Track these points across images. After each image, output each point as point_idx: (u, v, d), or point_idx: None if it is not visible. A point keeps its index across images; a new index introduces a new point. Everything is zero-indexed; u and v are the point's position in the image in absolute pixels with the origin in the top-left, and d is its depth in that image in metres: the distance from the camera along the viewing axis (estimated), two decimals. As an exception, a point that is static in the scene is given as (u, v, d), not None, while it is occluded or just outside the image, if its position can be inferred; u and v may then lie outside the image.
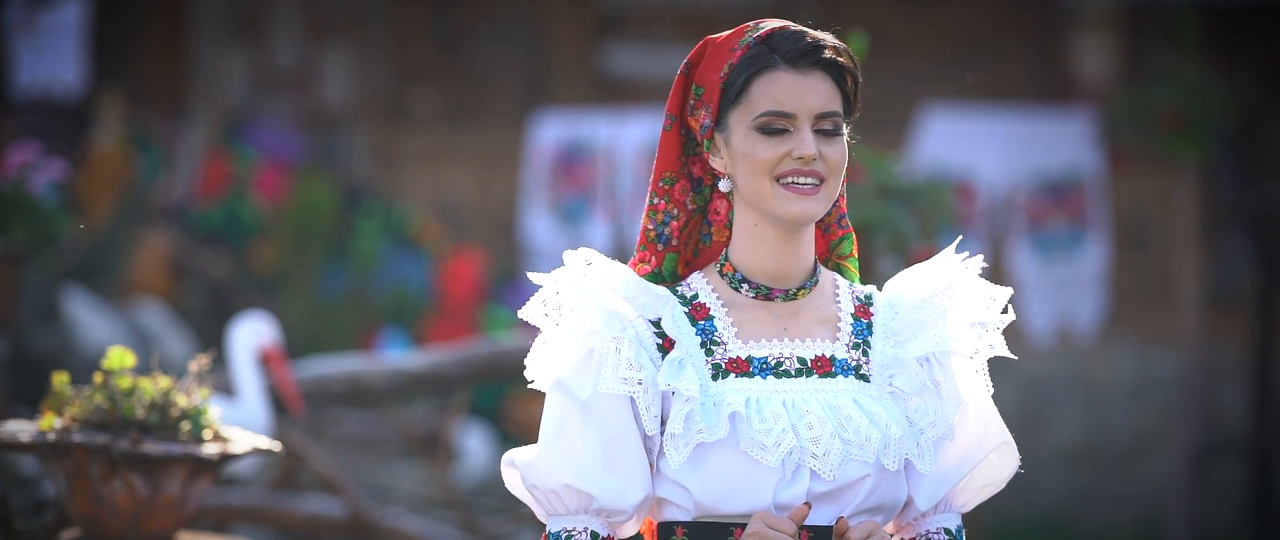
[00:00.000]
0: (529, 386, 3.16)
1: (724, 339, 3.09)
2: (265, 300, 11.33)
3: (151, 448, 4.31)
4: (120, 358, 4.41)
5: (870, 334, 3.14)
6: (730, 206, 3.16)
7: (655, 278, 3.16)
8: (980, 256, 3.22)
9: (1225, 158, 11.78)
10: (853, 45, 5.61)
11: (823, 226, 3.21)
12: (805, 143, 3.04)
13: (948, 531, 3.17)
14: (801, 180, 3.05)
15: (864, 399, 3.08)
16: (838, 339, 3.12)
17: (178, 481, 4.37)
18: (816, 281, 3.14)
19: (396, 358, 8.80)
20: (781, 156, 3.04)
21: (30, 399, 6.83)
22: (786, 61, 3.05)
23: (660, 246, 3.16)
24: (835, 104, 3.06)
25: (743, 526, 3.03)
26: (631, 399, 3.05)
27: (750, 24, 3.10)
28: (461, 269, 12.41)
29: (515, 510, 7.84)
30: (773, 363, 3.08)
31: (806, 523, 3.03)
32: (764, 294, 3.11)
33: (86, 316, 9.44)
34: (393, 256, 12.43)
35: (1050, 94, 12.51)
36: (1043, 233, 11.57)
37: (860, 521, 3.05)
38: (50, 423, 4.39)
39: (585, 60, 13.24)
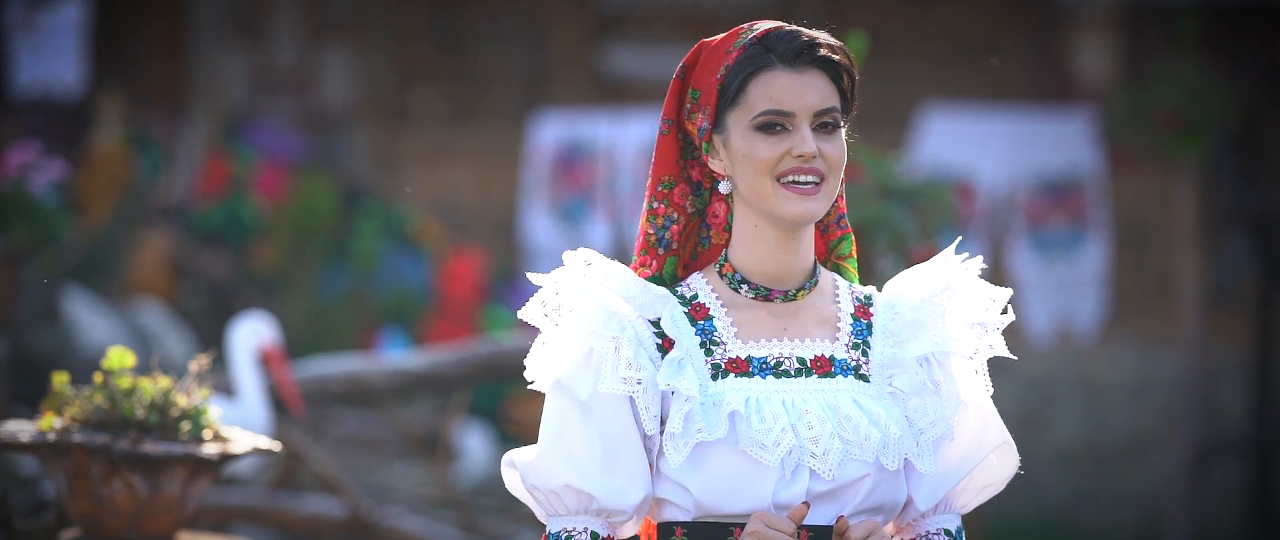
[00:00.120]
0: (529, 387, 3.16)
1: (723, 339, 3.09)
2: (265, 300, 11.33)
3: (151, 448, 4.31)
4: (120, 358, 4.41)
5: (870, 334, 3.14)
6: (729, 209, 3.16)
7: (655, 281, 3.17)
8: (980, 257, 3.22)
9: (1225, 158, 11.79)
10: (852, 45, 5.62)
11: (822, 227, 3.21)
12: (805, 140, 3.04)
13: (948, 532, 3.17)
14: (802, 179, 3.05)
15: (863, 399, 3.08)
16: (837, 339, 3.12)
17: (178, 481, 4.37)
18: (816, 282, 3.14)
19: (396, 358, 8.80)
20: (781, 155, 3.05)
21: (30, 399, 6.83)
22: (782, 61, 3.05)
23: (661, 251, 3.17)
24: (833, 101, 3.07)
25: (742, 526, 3.04)
26: (631, 399, 3.06)
27: (745, 26, 3.11)
28: (461, 269, 12.41)
29: (515, 510, 7.84)
30: (772, 362, 3.08)
31: (807, 522, 3.03)
32: (763, 294, 3.11)
33: (86, 316, 9.45)
34: (393, 256, 12.43)
35: (1050, 94, 12.51)
36: (1043, 233, 11.58)
37: (860, 521, 3.05)
38: (50, 423, 4.39)
39: (585, 60, 13.24)
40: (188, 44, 13.42)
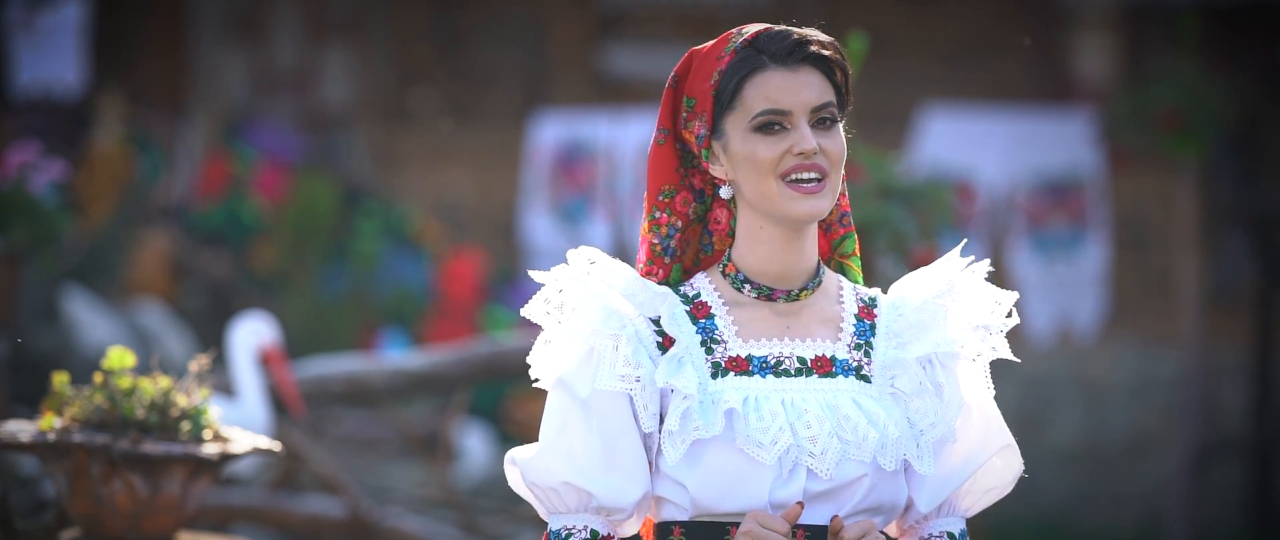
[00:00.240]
0: (532, 386, 3.16)
1: (724, 337, 3.10)
2: (265, 300, 11.33)
3: (151, 448, 4.31)
4: (120, 358, 4.41)
5: (873, 335, 3.14)
6: (731, 215, 3.17)
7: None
8: (987, 261, 3.22)
9: (1225, 158, 11.79)
10: (852, 45, 5.62)
11: (825, 225, 3.22)
12: (804, 137, 3.05)
13: (951, 536, 3.17)
14: (805, 176, 3.05)
15: (864, 399, 3.08)
16: (840, 339, 3.12)
17: (178, 481, 4.37)
18: (819, 282, 3.14)
19: (396, 358, 8.80)
20: (782, 154, 3.05)
21: (30, 399, 6.83)
22: (775, 60, 3.06)
23: (667, 259, 3.18)
24: (828, 96, 3.08)
25: (738, 526, 3.04)
26: (630, 397, 3.06)
27: (734, 31, 3.12)
28: (461, 269, 12.41)
29: (515, 510, 7.84)
30: (772, 362, 3.08)
31: (804, 522, 3.03)
32: (766, 294, 3.12)
33: (86, 316, 9.45)
34: (393, 256, 12.43)
35: (1050, 94, 12.51)
36: (1043, 233, 11.58)
37: (855, 520, 3.05)
38: (50, 423, 4.39)
39: (585, 60, 13.24)
40: (188, 44, 13.42)
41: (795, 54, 3.06)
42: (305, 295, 12.21)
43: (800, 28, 3.09)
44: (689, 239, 3.19)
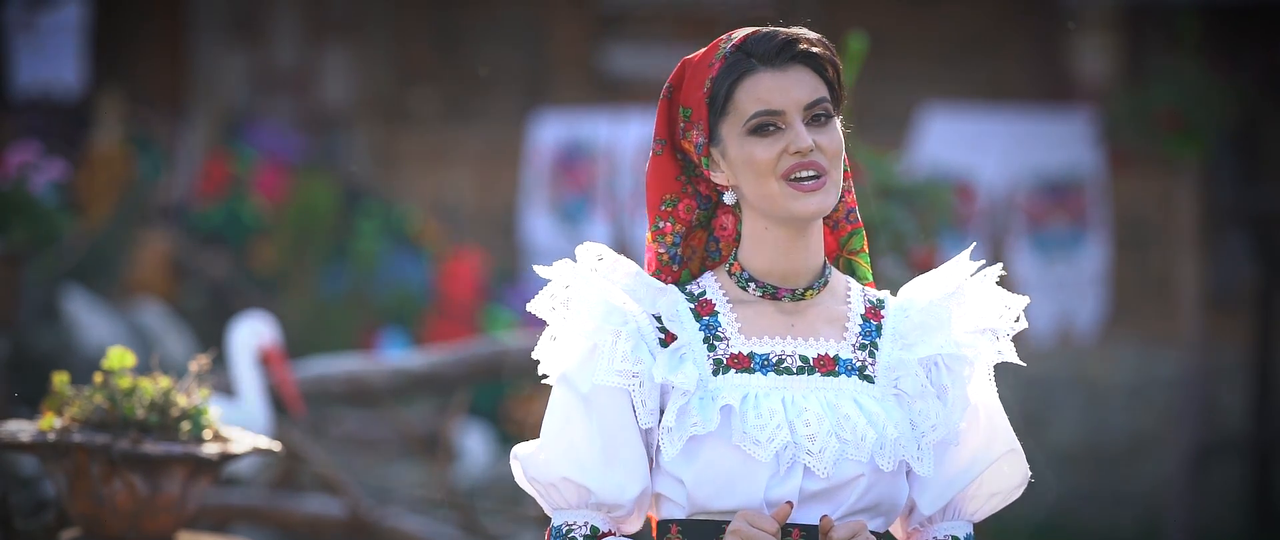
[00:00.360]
0: (532, 385, 3.18)
1: (727, 334, 3.11)
2: (265, 300, 11.33)
3: (151, 448, 4.31)
4: (120, 358, 4.41)
5: (879, 336, 3.14)
6: (737, 221, 3.18)
7: None
8: (999, 265, 3.23)
9: (1225, 158, 11.78)
10: (852, 45, 5.62)
11: (831, 223, 3.22)
12: (800, 136, 3.06)
13: (956, 539, 3.17)
14: (805, 175, 3.06)
15: (865, 399, 3.08)
16: (844, 339, 3.13)
17: (178, 481, 4.37)
18: (826, 282, 3.15)
19: (396, 358, 8.80)
20: (779, 154, 3.06)
21: (30, 399, 6.83)
22: (764, 62, 3.07)
23: (675, 267, 3.19)
24: (821, 92, 3.09)
25: (732, 525, 3.05)
26: (629, 392, 3.06)
27: (723, 37, 3.13)
28: (461, 269, 12.41)
29: (515, 510, 7.84)
30: (774, 359, 3.09)
31: (800, 522, 3.04)
32: (771, 293, 3.13)
33: (86, 316, 9.44)
34: (393, 256, 12.43)
35: (1050, 94, 12.51)
36: (1043, 233, 11.58)
37: (846, 521, 3.05)
38: (50, 423, 4.39)
39: (585, 60, 13.24)
40: (188, 44, 13.42)
41: (784, 53, 3.07)
42: (305, 295, 12.21)
43: (787, 27, 3.11)
44: (694, 246, 3.20)
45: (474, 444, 10.69)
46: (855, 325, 3.14)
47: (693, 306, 3.13)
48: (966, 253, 3.23)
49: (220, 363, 7.00)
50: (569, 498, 3.08)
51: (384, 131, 13.37)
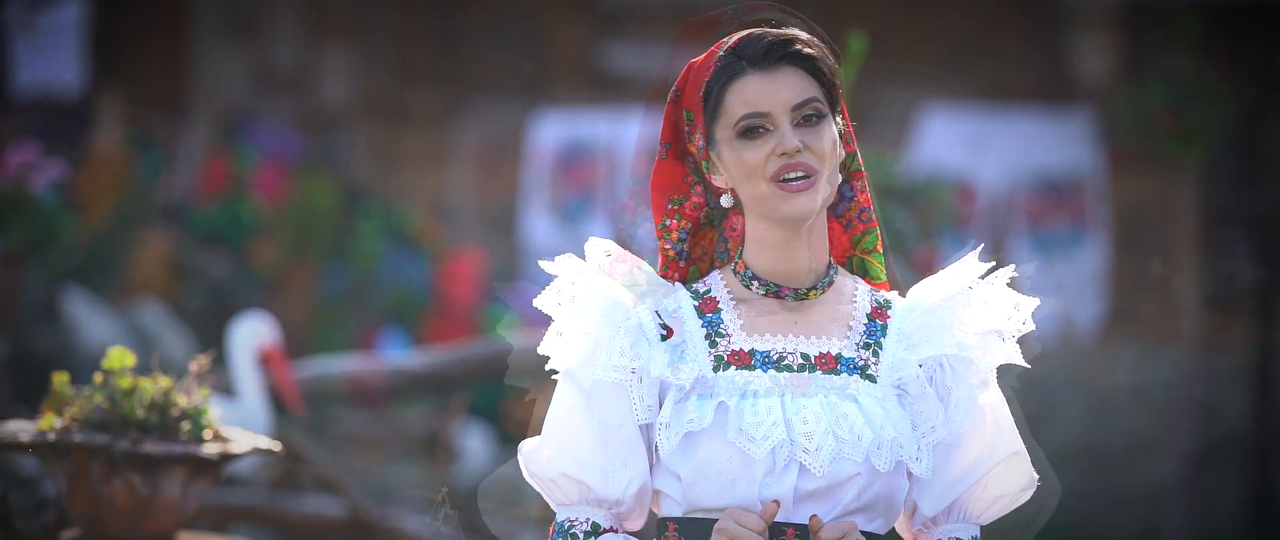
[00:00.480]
0: (531, 385, 3.18)
1: (729, 331, 3.11)
2: (265, 300, 11.33)
3: (151, 448, 4.31)
4: (120, 358, 4.41)
5: (883, 336, 3.14)
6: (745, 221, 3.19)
7: None
8: (1012, 266, 3.23)
9: (1225, 158, 11.78)
10: (853, 45, 5.62)
11: (844, 222, 3.23)
12: (786, 138, 3.06)
13: (961, 542, 3.18)
14: (793, 176, 3.06)
15: (865, 398, 3.08)
16: (848, 337, 3.13)
17: (178, 481, 4.37)
18: (831, 282, 3.15)
19: (396, 358, 8.80)
20: (767, 156, 3.07)
21: (30, 399, 6.83)
22: (752, 64, 3.09)
23: (682, 263, 3.20)
24: (811, 92, 3.09)
25: (722, 523, 3.05)
26: (628, 388, 3.07)
27: (724, 39, 3.12)
28: (461, 269, 12.41)
29: (515, 510, 7.84)
30: (775, 357, 3.09)
31: (795, 520, 3.03)
32: (774, 291, 3.13)
33: (86, 316, 9.44)
34: (393, 256, 12.43)
35: (1050, 94, 12.50)
36: (1043, 233, 11.57)
37: (835, 522, 3.05)
38: (50, 423, 4.39)
39: (585, 60, 13.24)
40: (188, 44, 13.42)
41: (771, 55, 3.08)
42: (305, 295, 12.20)
43: (781, 28, 3.11)
44: (705, 246, 3.20)
45: (474, 444, 10.68)
46: (860, 324, 3.14)
47: (696, 303, 3.13)
48: (975, 254, 3.23)
49: (220, 363, 7.00)
50: (570, 493, 3.08)
51: (384, 131, 13.36)
